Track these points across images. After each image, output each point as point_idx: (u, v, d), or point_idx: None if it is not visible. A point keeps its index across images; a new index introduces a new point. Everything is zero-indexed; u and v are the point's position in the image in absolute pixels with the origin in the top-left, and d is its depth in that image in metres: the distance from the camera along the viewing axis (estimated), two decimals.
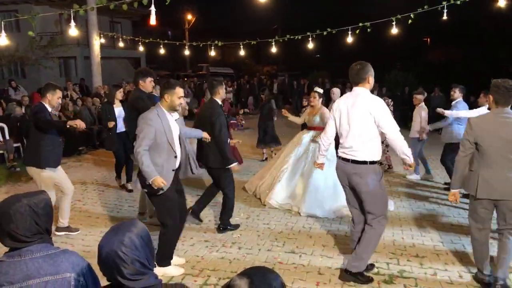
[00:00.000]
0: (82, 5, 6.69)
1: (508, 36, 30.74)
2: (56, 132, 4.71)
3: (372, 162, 3.65)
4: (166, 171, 3.75)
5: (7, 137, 8.59)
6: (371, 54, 39.57)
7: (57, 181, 4.81)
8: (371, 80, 3.69)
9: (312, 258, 4.37)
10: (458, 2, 7.89)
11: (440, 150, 7.18)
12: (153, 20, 5.24)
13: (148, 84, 5.23)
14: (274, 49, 11.64)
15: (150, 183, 3.58)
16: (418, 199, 6.56)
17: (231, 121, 14.61)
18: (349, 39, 9.34)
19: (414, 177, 7.76)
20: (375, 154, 3.67)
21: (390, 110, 5.85)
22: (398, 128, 3.61)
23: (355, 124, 3.64)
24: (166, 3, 4.88)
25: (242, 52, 12.48)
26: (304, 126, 6.70)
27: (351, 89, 3.90)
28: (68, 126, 4.40)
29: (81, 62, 20.61)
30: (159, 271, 3.77)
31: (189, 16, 33.76)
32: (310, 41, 10.16)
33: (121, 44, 17.43)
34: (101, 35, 12.77)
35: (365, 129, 3.61)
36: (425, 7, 8.23)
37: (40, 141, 4.58)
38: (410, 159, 3.64)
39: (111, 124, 6.41)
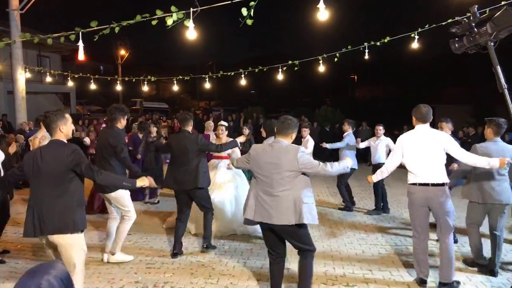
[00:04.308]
0: (4, 37, 6.43)
1: (423, 76, 33.58)
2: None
3: (446, 184, 4.37)
4: None
5: None
6: (302, 91, 41.45)
7: None
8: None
9: None
10: (378, 44, 8.61)
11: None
12: (81, 56, 5.16)
13: (125, 122, 5.21)
14: (208, 85, 11.83)
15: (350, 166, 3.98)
16: (346, 228, 6.83)
17: (168, 160, 14.34)
18: (280, 77, 9.73)
19: None
20: (446, 176, 4.39)
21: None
22: (467, 153, 4.38)
23: (431, 153, 4.32)
24: (95, 40, 4.83)
25: (176, 87, 12.53)
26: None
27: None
28: None
29: (4, 97, 19.47)
30: None
31: (122, 51, 33.35)
32: (243, 78, 10.46)
33: (49, 79, 16.78)
34: (27, 70, 12.23)
35: (439, 157, 4.32)
36: (349, 47, 8.88)
37: None
38: (490, 161, 4.27)
39: None
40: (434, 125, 5.45)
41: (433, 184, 4.31)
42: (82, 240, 3.53)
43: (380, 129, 7.98)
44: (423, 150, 4.36)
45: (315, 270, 4.97)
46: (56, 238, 3.42)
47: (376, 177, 4.87)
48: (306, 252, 3.85)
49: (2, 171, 5.15)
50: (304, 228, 3.79)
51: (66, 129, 3.56)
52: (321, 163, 3.80)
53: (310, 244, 3.87)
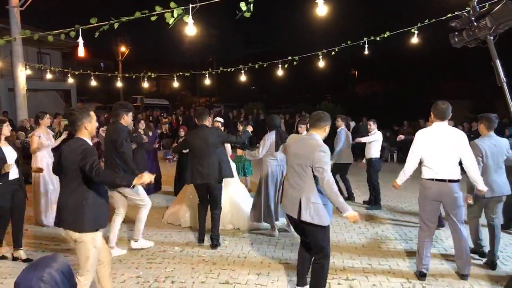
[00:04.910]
0: (5, 35, 6.43)
1: (423, 71, 33.42)
2: None
3: (460, 180, 4.48)
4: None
5: None
6: (303, 87, 41.37)
7: None
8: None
9: None
10: (378, 39, 8.59)
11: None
12: (81, 52, 5.18)
13: (129, 119, 5.27)
14: (208, 81, 11.82)
15: (346, 215, 3.67)
16: (346, 221, 6.85)
17: (168, 156, 14.38)
18: (280, 73, 9.73)
19: None
20: (459, 173, 4.49)
21: None
22: (474, 161, 4.43)
23: (449, 150, 4.37)
24: (96, 36, 4.85)
25: (176, 84, 12.54)
26: None
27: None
28: None
29: (5, 95, 19.47)
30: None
31: (123, 48, 33.31)
32: (243, 74, 10.46)
33: (49, 76, 16.78)
34: (27, 67, 12.23)
35: (456, 154, 4.37)
36: (349, 42, 8.86)
37: None
38: (479, 185, 4.47)
39: (7, 168, 4.72)
40: (428, 119, 5.51)
41: (450, 180, 4.41)
42: (96, 238, 3.46)
43: (371, 124, 8.03)
44: (441, 147, 4.42)
45: None
46: (69, 233, 3.47)
47: (400, 179, 4.89)
48: (317, 254, 3.84)
49: (17, 170, 4.96)
50: (319, 229, 3.71)
51: (91, 126, 3.54)
52: (330, 176, 3.60)
53: (320, 248, 3.77)
